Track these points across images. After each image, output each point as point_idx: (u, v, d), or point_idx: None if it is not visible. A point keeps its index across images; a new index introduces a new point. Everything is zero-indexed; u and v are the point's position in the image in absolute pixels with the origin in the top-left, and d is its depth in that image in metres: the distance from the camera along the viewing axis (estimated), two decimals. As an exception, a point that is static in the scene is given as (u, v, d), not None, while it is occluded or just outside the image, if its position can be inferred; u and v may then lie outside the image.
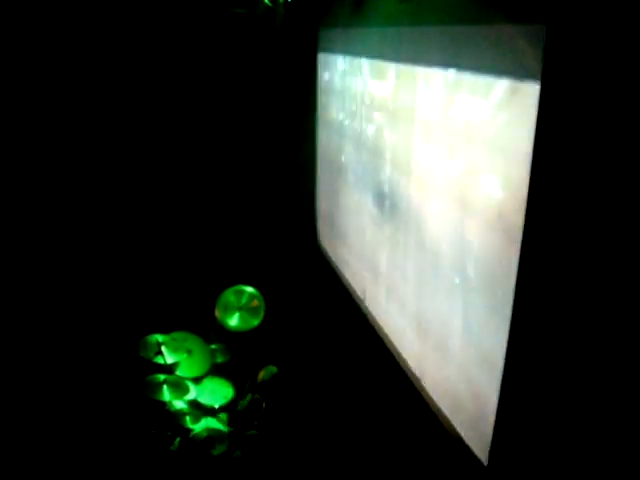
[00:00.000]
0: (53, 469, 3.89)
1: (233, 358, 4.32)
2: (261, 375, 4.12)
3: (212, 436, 3.77)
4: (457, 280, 2.89)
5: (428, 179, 3.14)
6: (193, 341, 4.09)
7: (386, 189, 3.81)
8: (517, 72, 2.22)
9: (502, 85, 2.35)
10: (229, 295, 4.33)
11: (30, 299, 5.22)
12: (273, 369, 4.16)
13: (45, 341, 4.96)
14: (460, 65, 2.68)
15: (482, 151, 2.55)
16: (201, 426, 3.85)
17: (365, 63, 4.00)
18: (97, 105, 5.28)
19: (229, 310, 4.31)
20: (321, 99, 5.25)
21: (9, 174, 5.16)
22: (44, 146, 5.25)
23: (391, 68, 3.54)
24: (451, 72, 2.76)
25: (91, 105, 5.27)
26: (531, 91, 2.09)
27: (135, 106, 5.34)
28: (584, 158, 1.93)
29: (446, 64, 2.80)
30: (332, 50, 4.77)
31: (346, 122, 4.53)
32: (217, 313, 4.30)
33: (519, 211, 2.23)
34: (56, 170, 5.32)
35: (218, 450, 3.74)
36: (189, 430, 3.82)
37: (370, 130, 4.01)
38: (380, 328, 4.10)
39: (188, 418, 3.89)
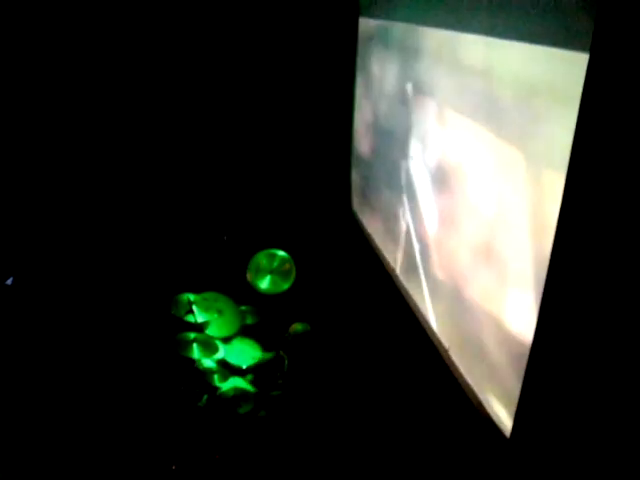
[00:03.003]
0: (85, 419, 4.03)
1: (263, 320, 4.37)
2: (293, 328, 4.17)
3: (238, 395, 3.84)
4: (489, 252, 2.84)
5: (466, 148, 3.07)
6: (224, 301, 4.13)
7: (421, 158, 3.75)
8: (564, 40, 2.13)
9: (548, 53, 2.25)
10: (261, 258, 4.35)
11: (69, 257, 5.36)
12: (307, 326, 4.21)
13: (81, 297, 5.10)
14: (505, 33, 2.58)
15: (522, 124, 2.47)
16: (228, 385, 3.92)
17: (407, 28, 3.90)
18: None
19: (260, 273, 4.33)
20: (360, 63, 5.16)
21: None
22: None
23: (435, 35, 3.43)
24: (496, 40, 2.66)
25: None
26: (579, 61, 2.00)
27: (175, 69, 5.34)
28: (631, 132, 1.85)
29: (491, 31, 2.71)
30: (374, 14, 4.67)
31: (385, 88, 4.45)
32: (248, 275, 4.33)
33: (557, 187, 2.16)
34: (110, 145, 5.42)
35: (244, 409, 3.81)
36: (216, 388, 3.90)
37: (409, 97, 3.93)
38: (410, 297, 4.09)
39: (216, 376, 3.97)
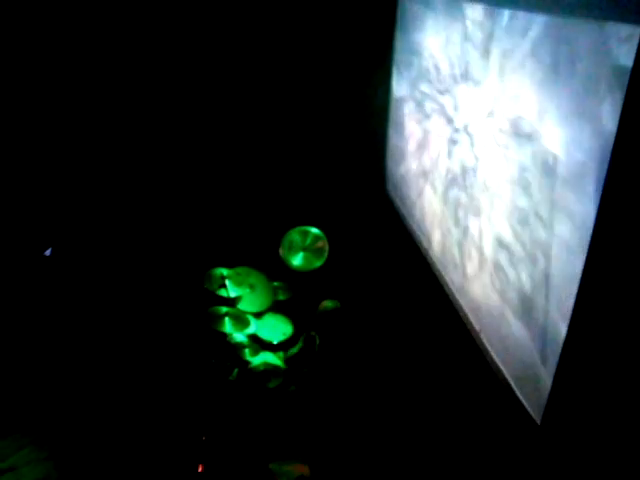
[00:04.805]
0: (118, 389, 4.12)
1: (294, 296, 4.38)
2: (323, 305, 4.18)
3: (269, 370, 3.87)
4: (523, 237, 2.79)
5: (506, 126, 2.99)
6: (256, 277, 4.16)
7: (458, 138, 3.67)
8: (616, 14, 2.03)
9: (599, 28, 2.16)
10: (294, 235, 4.36)
11: (106, 231, 5.45)
12: (337, 303, 4.21)
13: (116, 269, 5.18)
14: (555, 8, 2.48)
15: (573, 98, 2.38)
16: (259, 360, 3.95)
17: (452, 1, 3.79)
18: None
19: (293, 249, 4.35)
20: (399, 36, 5.03)
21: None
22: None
23: (481, 8, 3.33)
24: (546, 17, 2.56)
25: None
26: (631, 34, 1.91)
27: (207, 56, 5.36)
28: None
29: (541, 7, 2.60)
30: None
31: (425, 63, 4.35)
32: (281, 252, 4.35)
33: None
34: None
35: (274, 383, 3.84)
36: (247, 362, 3.94)
37: (450, 73, 3.84)
38: (443, 278, 4.04)
39: (247, 351, 4.01)
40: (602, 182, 2.06)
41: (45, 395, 4.09)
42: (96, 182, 5.49)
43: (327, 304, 4.26)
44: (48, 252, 4.91)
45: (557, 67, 2.44)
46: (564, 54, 2.38)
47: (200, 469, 3.48)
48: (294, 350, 4.09)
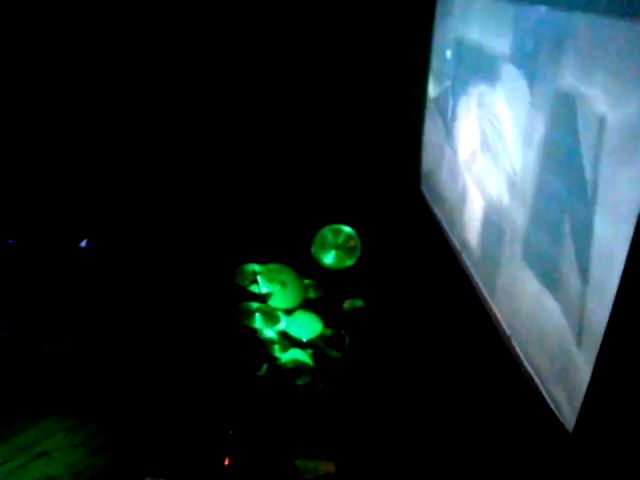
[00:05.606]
0: (148, 383, 4.18)
1: (325, 295, 4.38)
2: (346, 305, 4.18)
3: (298, 367, 3.89)
4: (559, 243, 2.73)
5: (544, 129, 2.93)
6: (288, 274, 4.17)
7: (496, 140, 3.62)
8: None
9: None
10: (327, 233, 4.36)
11: (140, 226, 5.54)
12: (359, 302, 4.20)
13: (149, 264, 5.26)
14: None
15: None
16: (288, 356, 3.97)
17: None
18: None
19: (325, 248, 4.34)
20: (437, 33, 4.96)
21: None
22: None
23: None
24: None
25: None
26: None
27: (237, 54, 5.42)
28: None
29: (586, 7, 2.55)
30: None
31: (463, 60, 4.27)
32: (313, 249, 4.35)
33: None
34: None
35: (302, 380, 3.86)
36: (276, 358, 3.96)
37: (488, 72, 3.78)
38: (475, 281, 4.00)
39: (277, 347, 4.03)
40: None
41: (79, 384, 4.17)
42: (132, 177, 5.57)
43: (350, 303, 4.26)
44: (84, 243, 5.00)
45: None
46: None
47: (227, 462, 3.51)
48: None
